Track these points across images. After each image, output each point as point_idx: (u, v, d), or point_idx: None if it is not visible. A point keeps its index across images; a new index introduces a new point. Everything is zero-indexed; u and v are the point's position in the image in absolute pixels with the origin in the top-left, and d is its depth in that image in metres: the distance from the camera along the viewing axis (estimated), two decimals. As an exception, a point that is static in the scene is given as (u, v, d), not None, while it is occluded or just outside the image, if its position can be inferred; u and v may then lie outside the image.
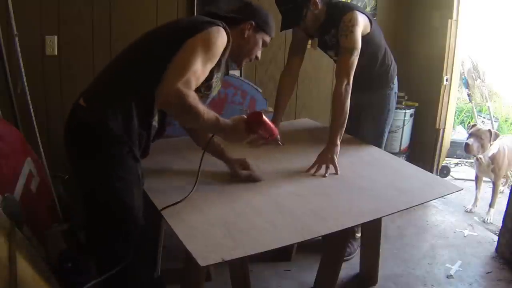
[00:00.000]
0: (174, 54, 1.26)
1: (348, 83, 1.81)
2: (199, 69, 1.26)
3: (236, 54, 1.50)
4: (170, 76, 1.22)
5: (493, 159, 2.84)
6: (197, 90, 1.31)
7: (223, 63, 1.44)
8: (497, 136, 2.80)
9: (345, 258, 2.18)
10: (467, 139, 2.84)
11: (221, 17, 1.42)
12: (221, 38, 1.32)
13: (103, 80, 1.35)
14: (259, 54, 1.56)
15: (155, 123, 1.37)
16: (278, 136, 1.51)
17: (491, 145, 2.80)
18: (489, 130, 2.81)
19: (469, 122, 4.65)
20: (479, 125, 2.99)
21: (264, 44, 1.55)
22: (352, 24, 1.82)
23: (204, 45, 1.28)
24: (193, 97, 1.23)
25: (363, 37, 1.87)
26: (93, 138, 1.26)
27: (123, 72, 1.33)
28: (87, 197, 1.33)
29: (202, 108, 1.26)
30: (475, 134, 2.81)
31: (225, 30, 1.35)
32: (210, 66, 1.31)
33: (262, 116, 1.39)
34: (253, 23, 1.47)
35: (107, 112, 1.25)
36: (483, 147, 2.79)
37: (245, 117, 1.39)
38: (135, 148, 1.31)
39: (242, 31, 1.47)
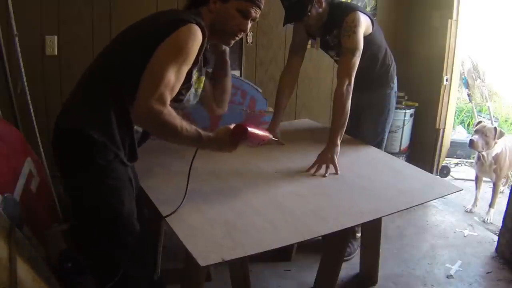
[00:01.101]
0: (146, 59, 1.21)
1: (349, 84, 1.81)
2: (172, 79, 1.20)
3: (216, 33, 1.38)
4: (142, 94, 1.17)
5: (496, 159, 2.84)
6: (179, 93, 1.28)
7: (201, 60, 1.37)
8: (502, 134, 2.80)
9: (345, 258, 2.18)
10: (472, 135, 2.85)
11: (199, 1, 1.36)
12: (193, 36, 1.23)
13: (80, 85, 1.32)
14: (243, 26, 1.38)
15: (137, 127, 1.33)
16: (272, 137, 1.50)
17: (495, 143, 2.80)
18: (495, 128, 2.82)
19: (469, 122, 4.65)
20: (485, 122, 2.98)
21: (245, 13, 1.37)
22: (355, 24, 1.83)
23: (175, 51, 1.21)
24: (168, 114, 1.19)
25: (364, 37, 1.88)
26: (75, 146, 1.23)
27: (98, 77, 1.29)
28: (76, 204, 1.30)
29: (179, 123, 1.22)
30: (481, 130, 2.82)
31: (199, 25, 1.25)
32: (186, 69, 1.25)
33: (247, 132, 1.33)
34: None
35: (86, 118, 1.23)
36: (487, 144, 2.80)
37: (231, 128, 1.35)
38: (121, 153, 1.28)
39: (210, 8, 1.36)
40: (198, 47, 1.26)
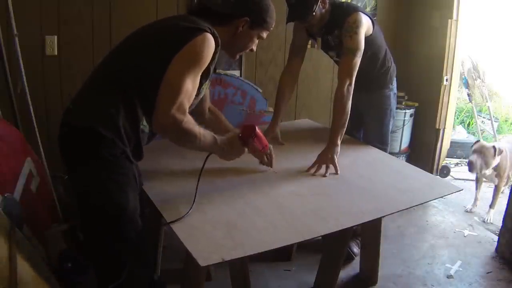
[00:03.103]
0: (158, 67, 1.24)
1: (350, 84, 1.81)
2: (190, 88, 1.25)
3: (229, 48, 1.46)
4: (162, 103, 1.22)
5: (495, 168, 2.83)
6: None
7: (211, 69, 1.40)
8: (500, 151, 2.76)
9: (354, 256, 2.19)
10: (470, 155, 2.80)
11: (212, 11, 1.37)
12: (208, 46, 1.27)
13: (89, 85, 1.34)
14: (254, 47, 1.50)
15: (143, 126, 1.35)
16: (271, 147, 1.62)
17: (495, 160, 2.75)
18: (493, 147, 2.77)
19: (469, 122, 4.65)
20: (483, 141, 2.92)
21: (260, 38, 1.49)
22: (357, 25, 1.83)
23: (192, 60, 1.25)
24: (188, 122, 1.25)
25: (365, 38, 1.88)
26: (84, 141, 1.25)
27: (108, 79, 1.31)
28: (81, 199, 1.31)
29: (198, 130, 1.29)
30: (479, 150, 2.77)
31: (213, 35, 1.29)
32: (199, 76, 1.29)
33: (255, 129, 1.44)
34: (248, 20, 1.39)
35: (95, 116, 1.25)
36: (486, 164, 2.76)
37: (238, 131, 1.45)
38: (127, 149, 1.30)
39: (236, 28, 1.40)
40: (211, 56, 1.30)
